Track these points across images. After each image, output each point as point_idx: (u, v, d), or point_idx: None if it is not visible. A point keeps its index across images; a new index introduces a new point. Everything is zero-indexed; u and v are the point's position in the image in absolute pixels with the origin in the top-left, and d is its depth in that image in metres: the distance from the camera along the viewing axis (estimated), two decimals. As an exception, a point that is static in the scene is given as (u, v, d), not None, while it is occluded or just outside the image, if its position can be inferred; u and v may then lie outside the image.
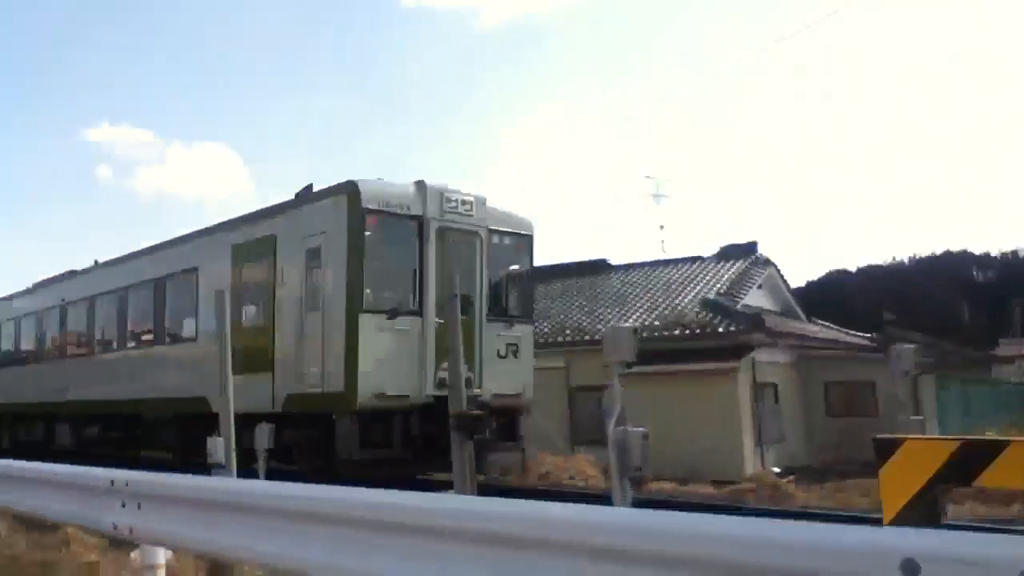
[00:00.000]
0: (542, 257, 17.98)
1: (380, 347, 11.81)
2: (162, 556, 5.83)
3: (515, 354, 13.49)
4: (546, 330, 22.21)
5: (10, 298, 24.81)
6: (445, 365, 10.89)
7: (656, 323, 20.03)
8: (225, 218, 15.02)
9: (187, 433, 14.31)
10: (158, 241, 17.70)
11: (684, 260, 24.46)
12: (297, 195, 13.91)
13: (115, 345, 18.54)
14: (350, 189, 12.19)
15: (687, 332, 19.28)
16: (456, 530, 3.53)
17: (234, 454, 8.96)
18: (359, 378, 11.64)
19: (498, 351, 13.15)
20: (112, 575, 6.66)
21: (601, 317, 21.71)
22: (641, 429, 7.21)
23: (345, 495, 4.23)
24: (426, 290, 12.24)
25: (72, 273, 21.47)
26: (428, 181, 12.63)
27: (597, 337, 20.35)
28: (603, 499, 11.03)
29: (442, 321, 11.29)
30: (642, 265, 25.21)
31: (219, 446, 8.86)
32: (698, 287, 21.93)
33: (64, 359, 20.47)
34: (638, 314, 21.13)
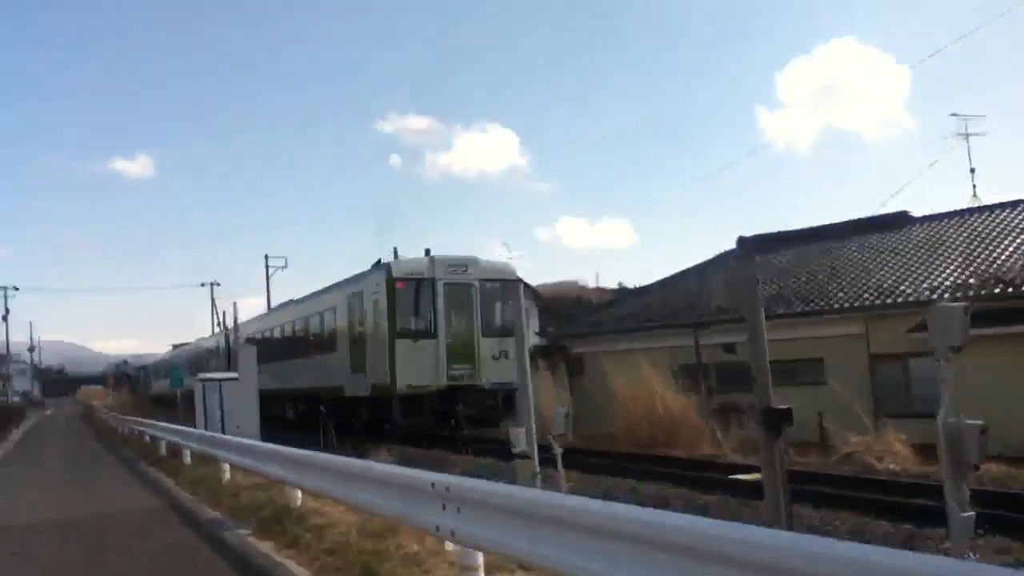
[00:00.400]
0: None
1: (410, 357, 19.42)
2: (480, 557, 6.01)
3: (506, 356, 19.01)
4: (840, 294, 20.75)
5: (262, 316, 36.75)
6: (456, 366, 19.68)
7: (972, 281, 17.97)
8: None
9: (341, 409, 22.20)
10: (328, 283, 26.51)
11: (1002, 206, 21.70)
12: (372, 266, 21.88)
13: (306, 352, 26.99)
14: (386, 267, 20.54)
15: (1010, 290, 17.09)
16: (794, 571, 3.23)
17: (536, 444, 9.17)
18: (397, 376, 19.37)
19: (492, 355, 19.85)
20: (432, 566, 6.97)
21: (905, 276, 19.87)
22: (978, 422, 6.43)
23: (670, 521, 4.05)
24: (438, 322, 19.91)
25: (290, 301, 31.98)
26: (436, 255, 20.44)
27: (900, 300, 18.73)
28: (926, 489, 10.06)
29: (451, 340, 19.77)
30: (950, 215, 22.73)
31: (522, 437, 9.09)
32: (1021, 236, 19.38)
33: (286, 360, 28.69)
34: (949, 271, 19.08)
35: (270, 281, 54.44)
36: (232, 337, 35.70)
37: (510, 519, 5.23)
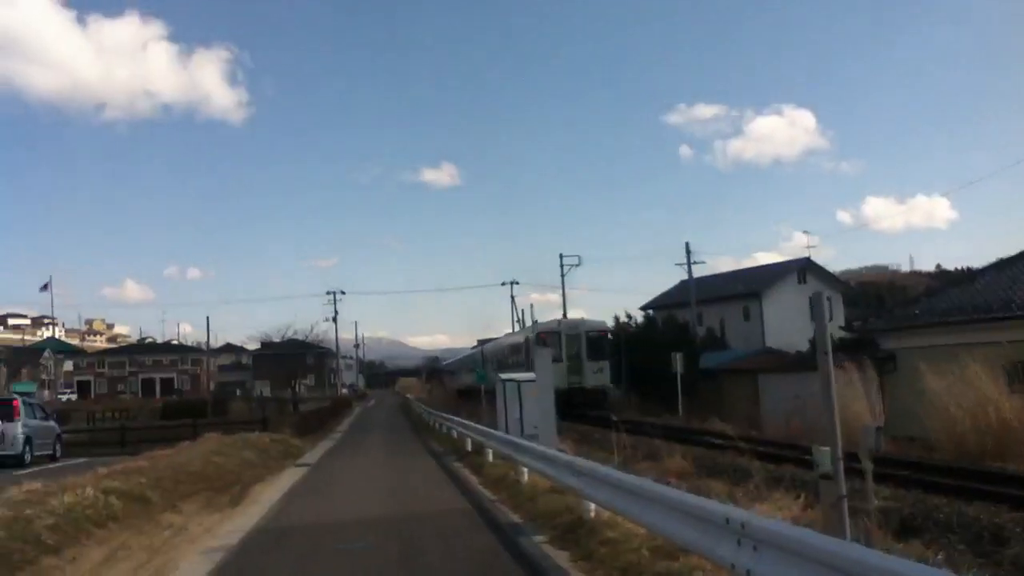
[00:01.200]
0: None
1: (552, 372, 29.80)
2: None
3: (601, 372, 38.21)
4: None
5: (496, 340, 56.39)
6: (572, 377, 37.41)
7: None
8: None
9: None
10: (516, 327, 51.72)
11: None
12: (531, 325, 43.01)
13: (511, 364, 41.73)
14: (535, 326, 41.40)
15: None
16: None
17: (841, 463, 8.41)
18: None
19: (592, 370, 37.91)
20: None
21: None
22: None
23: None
24: (562, 354, 36.75)
25: (509, 333, 51.38)
26: (562, 319, 43.68)
27: None
28: None
29: (568, 363, 37.72)
30: None
31: (826, 456, 8.38)
32: None
33: (507, 367, 41.15)
34: None
35: (565, 278, 56.13)
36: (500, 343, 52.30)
37: (812, 567, 4.79)
